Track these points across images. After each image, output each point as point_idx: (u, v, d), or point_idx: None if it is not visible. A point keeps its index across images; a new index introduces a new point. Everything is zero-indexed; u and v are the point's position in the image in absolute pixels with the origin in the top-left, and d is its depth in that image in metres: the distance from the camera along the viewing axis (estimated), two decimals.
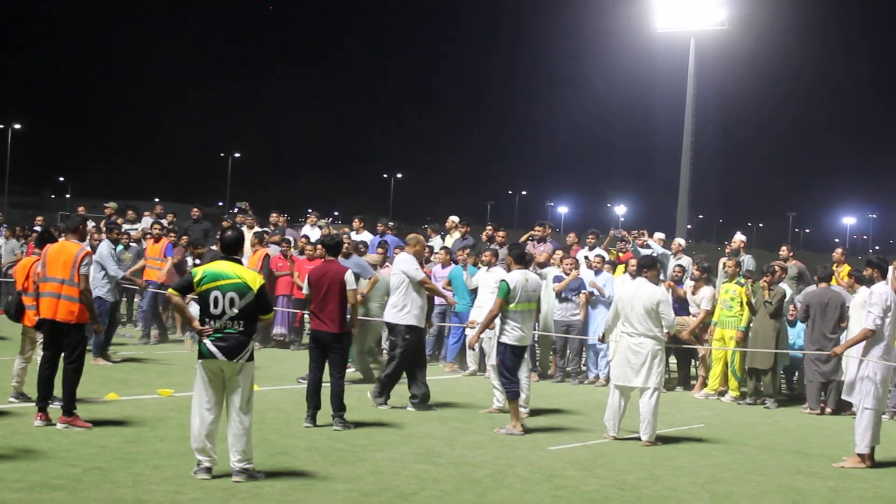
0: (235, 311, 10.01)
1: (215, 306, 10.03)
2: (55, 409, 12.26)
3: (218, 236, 11.28)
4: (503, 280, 13.83)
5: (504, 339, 13.71)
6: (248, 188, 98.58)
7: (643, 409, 13.40)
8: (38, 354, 12.87)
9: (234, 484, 9.75)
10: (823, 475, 12.07)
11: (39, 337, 12.85)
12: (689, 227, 26.29)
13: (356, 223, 24.51)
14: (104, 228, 19.28)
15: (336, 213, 31.02)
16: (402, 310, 14.84)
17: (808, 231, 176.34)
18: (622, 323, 13.50)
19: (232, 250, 10.47)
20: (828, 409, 17.15)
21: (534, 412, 15.13)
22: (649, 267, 13.93)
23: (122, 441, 11.52)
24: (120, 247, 20.55)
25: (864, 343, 12.83)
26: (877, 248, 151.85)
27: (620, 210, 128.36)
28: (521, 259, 14.24)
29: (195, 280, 10.24)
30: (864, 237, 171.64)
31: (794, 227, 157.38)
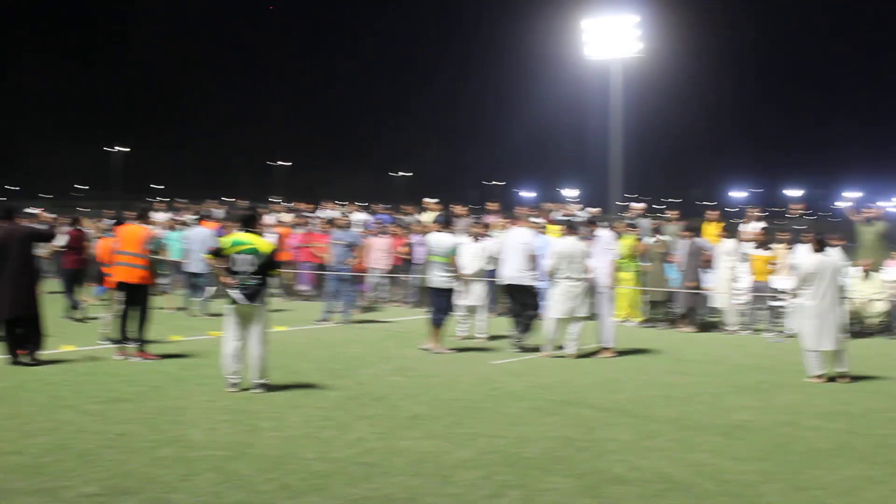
0: (252, 268, 10.14)
1: (238, 265, 10.17)
2: (132, 348, 12.42)
3: (239, 215, 11.38)
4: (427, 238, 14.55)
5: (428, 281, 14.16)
6: (288, 185, 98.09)
7: (572, 332, 13.51)
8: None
9: (253, 394, 9.93)
10: (690, 373, 12.26)
11: (118, 295, 13.00)
12: (640, 206, 26.57)
13: (354, 207, 25.23)
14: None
15: (345, 203, 31.19)
16: (524, 272, 14.27)
17: (707, 204, 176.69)
18: (563, 271, 13.57)
19: (248, 224, 10.57)
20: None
21: (493, 337, 15.33)
22: (572, 229, 14.10)
23: (178, 368, 11.68)
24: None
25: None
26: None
27: (569, 193, 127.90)
28: (444, 224, 14.43)
29: (224, 246, 10.41)
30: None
31: (696, 201, 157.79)
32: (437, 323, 13.81)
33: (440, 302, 13.83)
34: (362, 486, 6.51)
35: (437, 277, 13.84)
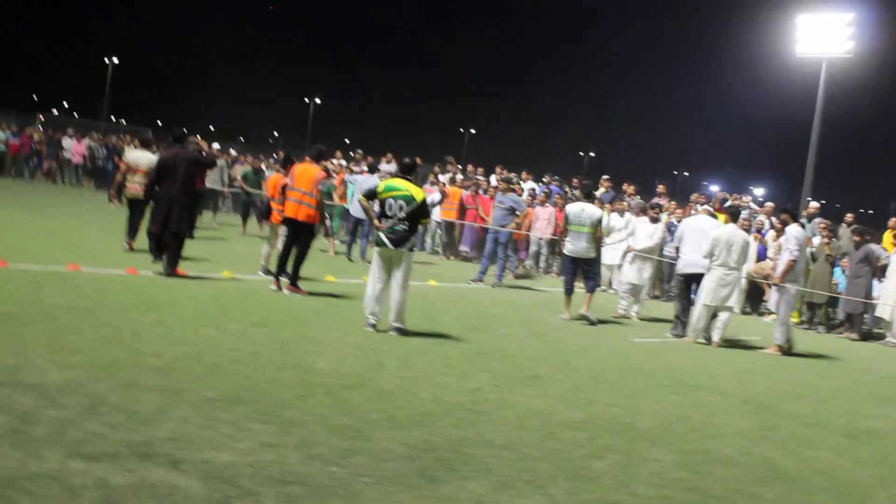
0: (403, 214, 10.44)
1: (389, 210, 10.50)
2: (286, 281, 12.94)
3: (400, 162, 11.65)
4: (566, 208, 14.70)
5: (563, 250, 14.33)
6: (476, 151, 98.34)
7: (720, 320, 13.34)
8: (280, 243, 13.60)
9: (389, 335, 10.24)
10: (834, 377, 11.91)
11: (282, 230, 13.54)
12: (816, 204, 25.23)
13: (524, 175, 25.35)
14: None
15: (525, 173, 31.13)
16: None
17: None
18: (719, 258, 13.33)
19: (407, 171, 10.89)
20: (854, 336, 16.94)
21: (644, 318, 15.33)
22: (735, 217, 13.87)
23: (323, 304, 12.16)
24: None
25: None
26: None
27: (758, 191, 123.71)
28: (587, 196, 14.52)
29: (378, 190, 10.74)
30: None
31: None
32: (590, 289, 13.98)
33: (582, 271, 14.05)
34: (466, 429, 6.68)
35: (578, 247, 13.93)
